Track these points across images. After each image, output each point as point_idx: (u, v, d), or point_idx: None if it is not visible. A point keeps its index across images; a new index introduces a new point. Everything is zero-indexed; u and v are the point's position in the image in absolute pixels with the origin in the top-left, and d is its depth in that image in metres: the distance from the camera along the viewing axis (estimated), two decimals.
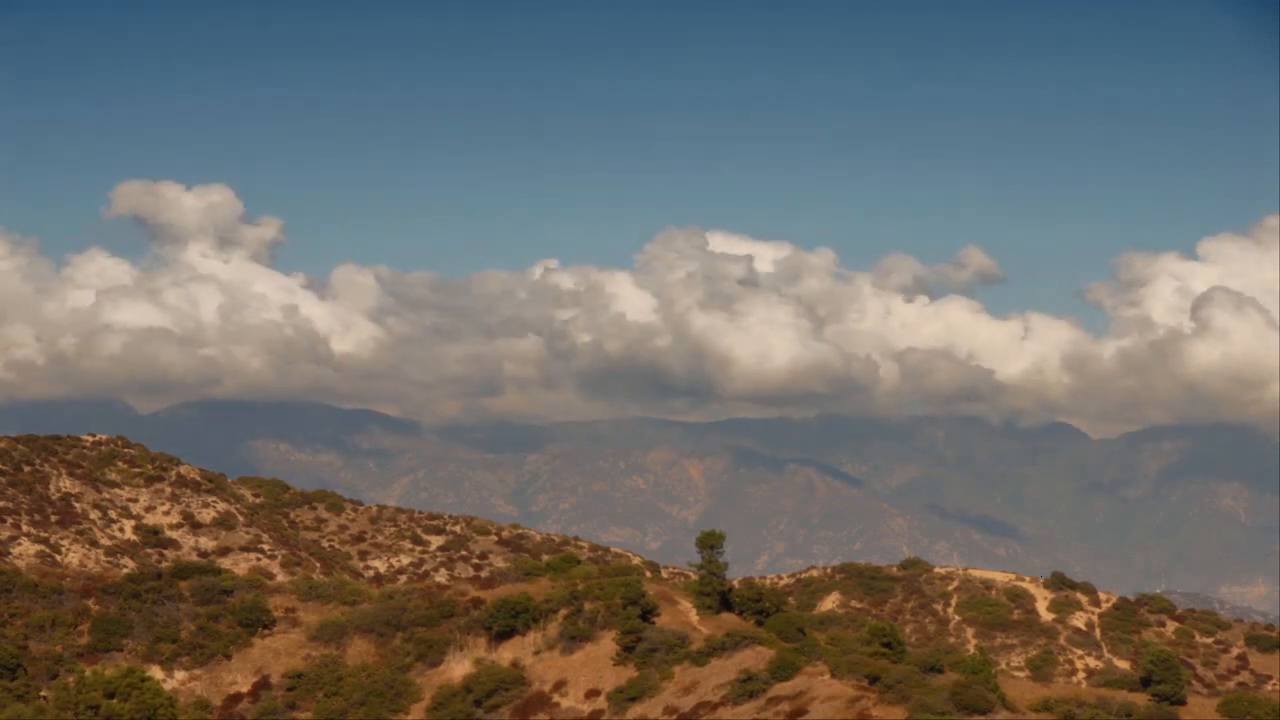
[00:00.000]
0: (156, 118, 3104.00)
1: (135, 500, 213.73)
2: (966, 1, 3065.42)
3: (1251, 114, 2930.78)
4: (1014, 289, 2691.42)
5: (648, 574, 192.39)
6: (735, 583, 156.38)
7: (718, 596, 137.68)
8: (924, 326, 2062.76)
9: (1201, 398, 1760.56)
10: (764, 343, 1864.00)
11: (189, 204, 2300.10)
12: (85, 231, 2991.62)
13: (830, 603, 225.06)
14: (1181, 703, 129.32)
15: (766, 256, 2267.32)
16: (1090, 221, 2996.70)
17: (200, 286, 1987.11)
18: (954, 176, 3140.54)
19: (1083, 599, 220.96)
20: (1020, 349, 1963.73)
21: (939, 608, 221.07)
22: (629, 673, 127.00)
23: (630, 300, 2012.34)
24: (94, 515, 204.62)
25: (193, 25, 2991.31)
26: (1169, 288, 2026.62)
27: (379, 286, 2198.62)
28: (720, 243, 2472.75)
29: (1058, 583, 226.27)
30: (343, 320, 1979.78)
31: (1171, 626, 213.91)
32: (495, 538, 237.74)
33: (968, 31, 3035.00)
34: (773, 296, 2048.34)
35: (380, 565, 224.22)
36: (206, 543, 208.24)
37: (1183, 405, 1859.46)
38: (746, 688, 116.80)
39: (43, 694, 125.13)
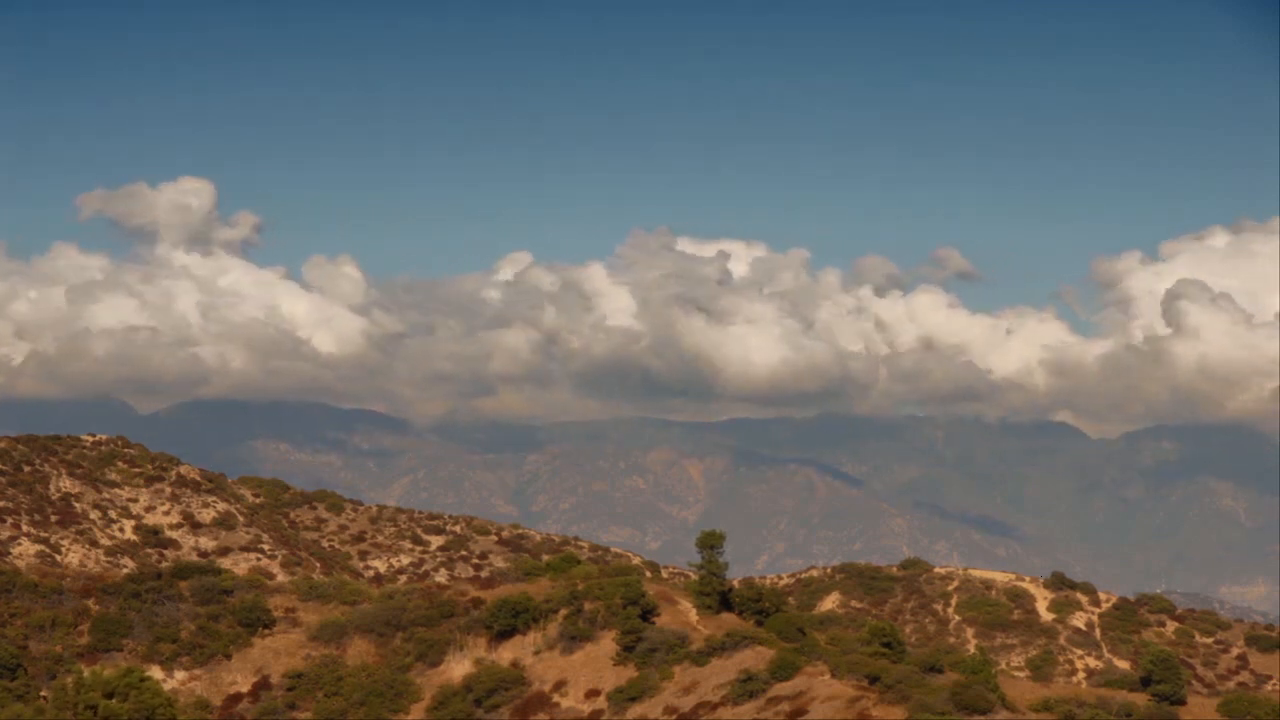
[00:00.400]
0: (128, 116, 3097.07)
1: (135, 500, 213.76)
2: (955, 1, 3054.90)
3: (1233, 113, 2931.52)
4: (996, 290, 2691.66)
5: (648, 574, 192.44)
6: (735, 583, 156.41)
7: (718, 596, 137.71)
8: (917, 327, 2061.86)
9: (1199, 397, 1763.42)
10: (757, 343, 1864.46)
11: (162, 201, 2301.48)
12: (59, 231, 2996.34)
13: (830, 603, 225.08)
14: (1181, 703, 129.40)
15: (743, 256, 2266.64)
16: (1074, 222, 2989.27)
17: (180, 284, 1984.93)
18: (931, 177, 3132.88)
19: (1083, 599, 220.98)
20: (1016, 349, 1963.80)
21: (939, 608, 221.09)
22: (629, 673, 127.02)
23: (613, 301, 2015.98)
24: (94, 515, 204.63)
25: (164, 25, 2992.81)
26: (1156, 287, 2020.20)
27: (362, 286, 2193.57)
28: (695, 244, 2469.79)
29: (1058, 583, 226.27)
30: (329, 318, 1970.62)
31: (1171, 626, 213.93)
32: (495, 538, 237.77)
33: (954, 31, 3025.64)
34: (756, 296, 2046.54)
35: (380, 565, 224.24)
36: (206, 543, 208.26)
37: (1182, 405, 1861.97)
38: (746, 688, 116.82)
39: (43, 694, 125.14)
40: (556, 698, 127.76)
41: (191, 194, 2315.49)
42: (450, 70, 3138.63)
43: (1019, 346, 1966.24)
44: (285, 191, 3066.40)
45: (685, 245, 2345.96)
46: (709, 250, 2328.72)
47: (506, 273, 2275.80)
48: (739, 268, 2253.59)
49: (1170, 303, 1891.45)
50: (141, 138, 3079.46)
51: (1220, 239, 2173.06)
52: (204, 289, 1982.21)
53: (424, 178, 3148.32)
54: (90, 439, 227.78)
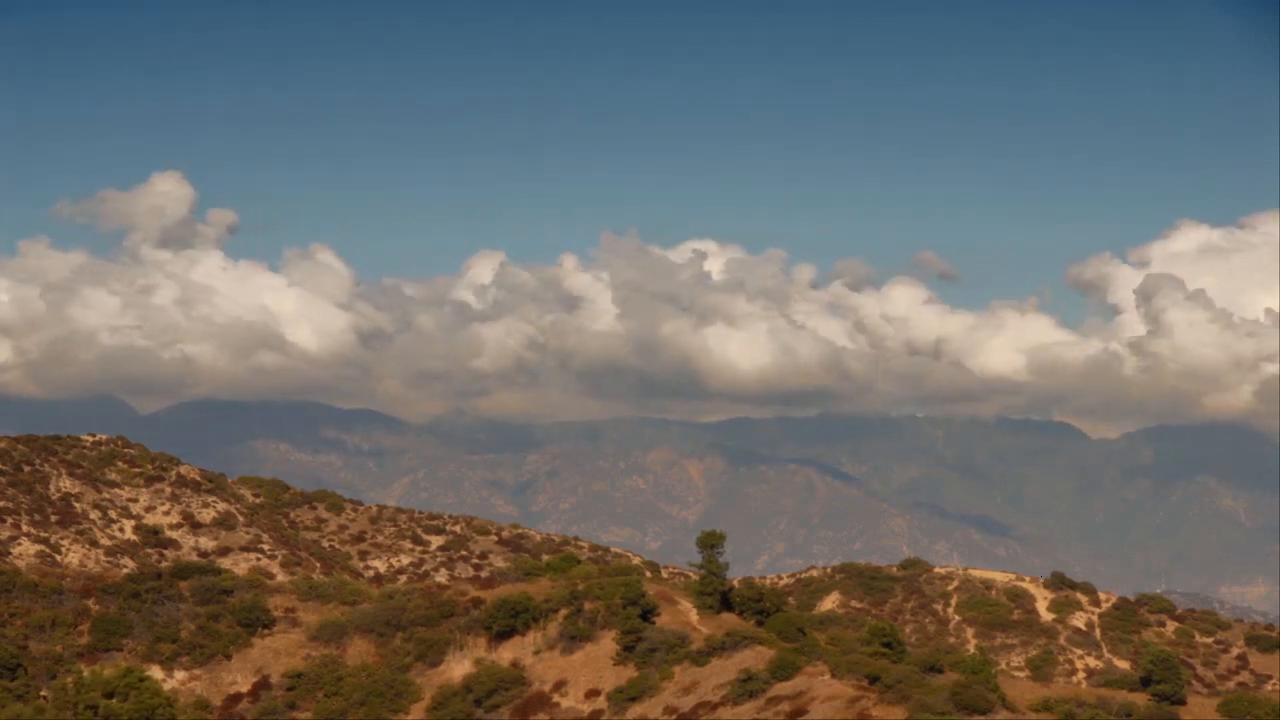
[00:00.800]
0: (104, 116, 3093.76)
1: (135, 500, 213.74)
2: (931, 1, 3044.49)
3: (1228, 113, 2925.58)
4: (977, 292, 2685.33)
5: (648, 574, 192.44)
6: (735, 583, 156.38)
7: (718, 596, 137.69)
8: (910, 327, 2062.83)
9: (1199, 397, 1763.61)
10: (747, 343, 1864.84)
11: (138, 200, 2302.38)
12: (33, 229, 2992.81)
13: (830, 603, 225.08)
14: (1181, 703, 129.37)
15: (719, 257, 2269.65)
16: (1062, 223, 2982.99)
17: (160, 281, 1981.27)
18: (912, 179, 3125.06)
19: (1083, 599, 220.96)
20: (1016, 349, 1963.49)
21: (939, 608, 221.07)
22: (629, 673, 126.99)
23: (595, 302, 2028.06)
24: (94, 515, 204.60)
25: (146, 25, 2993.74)
26: (1139, 286, 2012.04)
27: (348, 281, 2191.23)
28: (664, 247, 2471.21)
29: (1058, 583, 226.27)
30: (314, 315, 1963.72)
31: (1171, 626, 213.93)
32: (495, 538, 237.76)
33: (945, 31, 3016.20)
34: (740, 294, 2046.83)
35: (380, 565, 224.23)
36: (206, 543, 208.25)
37: (1182, 405, 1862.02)
38: (746, 688, 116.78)
39: (43, 694, 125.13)
40: (556, 698, 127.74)
41: (168, 192, 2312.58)
42: (435, 71, 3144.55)
43: (1009, 346, 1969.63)
44: (264, 190, 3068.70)
45: (655, 248, 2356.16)
46: (679, 252, 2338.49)
47: (483, 273, 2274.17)
48: (714, 269, 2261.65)
49: (1149, 301, 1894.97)
50: (118, 136, 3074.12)
51: (1201, 237, 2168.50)
52: (184, 286, 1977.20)
53: (399, 178, 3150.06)
54: (90, 439, 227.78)
